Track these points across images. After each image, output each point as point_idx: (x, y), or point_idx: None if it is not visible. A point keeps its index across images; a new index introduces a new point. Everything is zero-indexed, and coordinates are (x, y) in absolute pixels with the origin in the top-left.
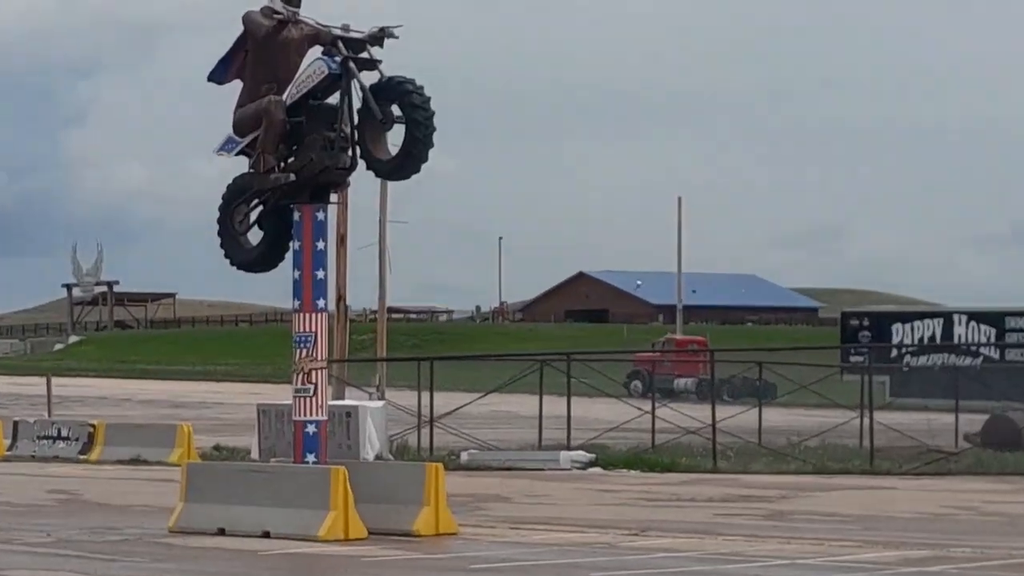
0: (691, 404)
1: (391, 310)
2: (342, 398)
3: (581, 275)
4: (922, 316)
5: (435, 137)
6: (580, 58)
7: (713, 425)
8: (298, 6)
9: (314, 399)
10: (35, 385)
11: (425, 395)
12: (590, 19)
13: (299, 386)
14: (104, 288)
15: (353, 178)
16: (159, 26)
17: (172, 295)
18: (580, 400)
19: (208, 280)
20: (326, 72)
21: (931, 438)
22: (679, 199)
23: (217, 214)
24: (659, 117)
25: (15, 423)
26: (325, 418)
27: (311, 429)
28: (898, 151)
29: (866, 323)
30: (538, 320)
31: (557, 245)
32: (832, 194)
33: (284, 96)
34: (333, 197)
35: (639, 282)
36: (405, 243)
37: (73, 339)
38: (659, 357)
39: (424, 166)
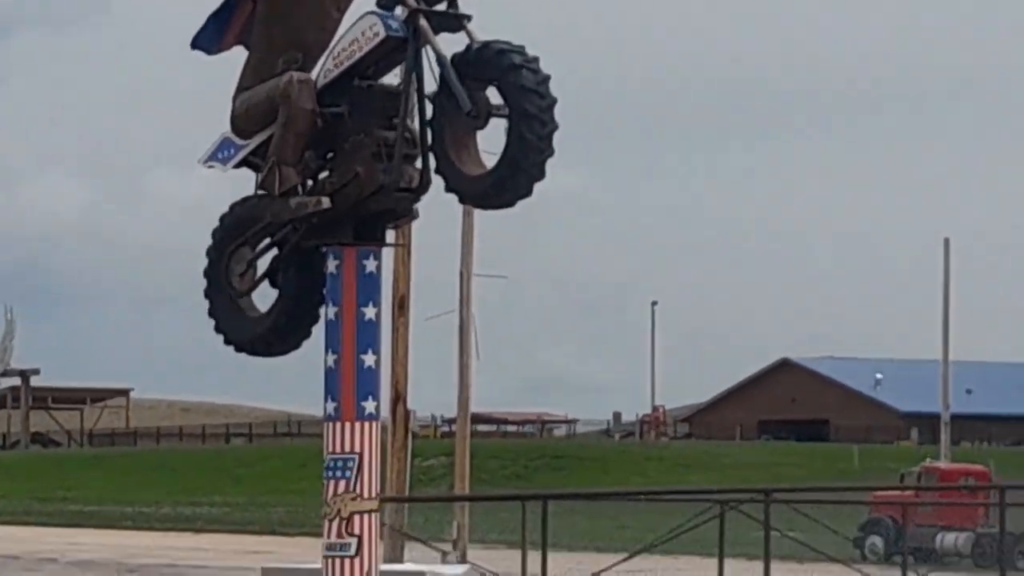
0: (967, 573)
1: (478, 419)
2: (400, 560)
3: (786, 364)
4: None
5: (557, 140)
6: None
7: None
8: None
9: (357, 561)
10: None
11: (533, 556)
12: None
13: (332, 539)
14: (16, 380)
15: (423, 207)
16: None
17: (125, 392)
18: (784, 565)
19: (182, 371)
20: (382, 35)
21: None
22: (946, 241)
23: (204, 262)
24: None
25: None
26: None
27: None
28: None
29: None
30: (715, 437)
31: (747, 317)
32: None
33: (314, 73)
34: (391, 236)
35: (880, 375)
36: (502, 312)
37: None
38: (913, 498)
39: (538, 187)
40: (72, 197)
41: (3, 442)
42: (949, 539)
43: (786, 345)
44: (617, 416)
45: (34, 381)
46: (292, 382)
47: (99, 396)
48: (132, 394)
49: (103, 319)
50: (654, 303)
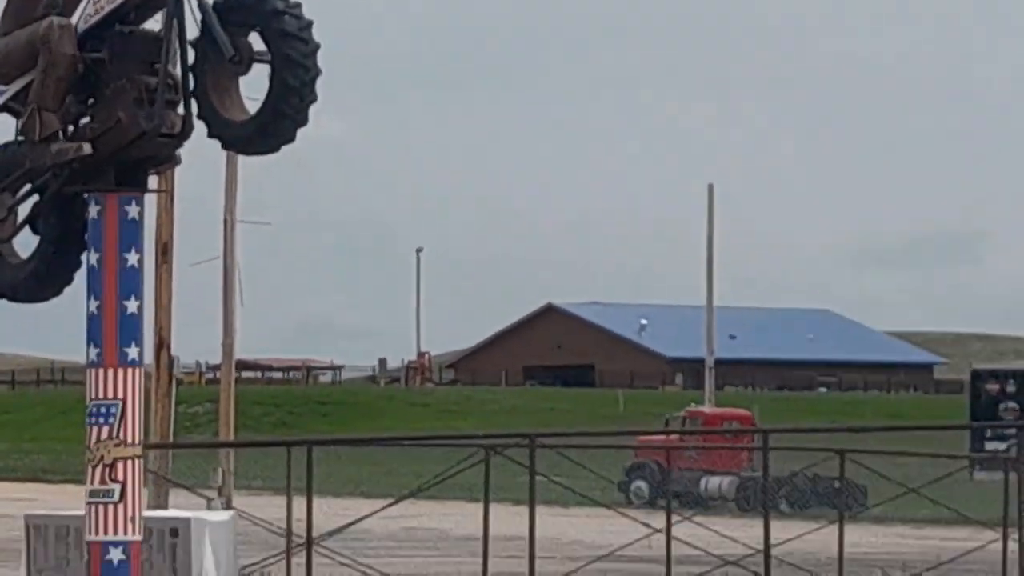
0: (730, 517)
1: (243, 366)
2: (165, 506)
3: (550, 310)
4: None
5: (320, 86)
6: None
7: (766, 552)
8: None
9: (121, 507)
10: None
11: (299, 502)
12: None
13: (95, 486)
14: None
15: (187, 153)
16: None
17: None
18: (550, 511)
19: None
20: None
21: None
22: (710, 188)
23: None
24: (680, 65)
25: None
26: (139, 537)
27: (115, 556)
28: None
29: (1011, 387)
30: (481, 382)
31: (512, 263)
32: (957, 182)
33: (75, 18)
34: (153, 182)
35: (644, 321)
36: (267, 258)
37: None
38: (678, 443)
39: (301, 132)
40: None
41: None
42: (713, 483)
43: (551, 291)
44: (383, 362)
45: None
46: (55, 329)
47: None
48: None
49: None
50: (419, 250)
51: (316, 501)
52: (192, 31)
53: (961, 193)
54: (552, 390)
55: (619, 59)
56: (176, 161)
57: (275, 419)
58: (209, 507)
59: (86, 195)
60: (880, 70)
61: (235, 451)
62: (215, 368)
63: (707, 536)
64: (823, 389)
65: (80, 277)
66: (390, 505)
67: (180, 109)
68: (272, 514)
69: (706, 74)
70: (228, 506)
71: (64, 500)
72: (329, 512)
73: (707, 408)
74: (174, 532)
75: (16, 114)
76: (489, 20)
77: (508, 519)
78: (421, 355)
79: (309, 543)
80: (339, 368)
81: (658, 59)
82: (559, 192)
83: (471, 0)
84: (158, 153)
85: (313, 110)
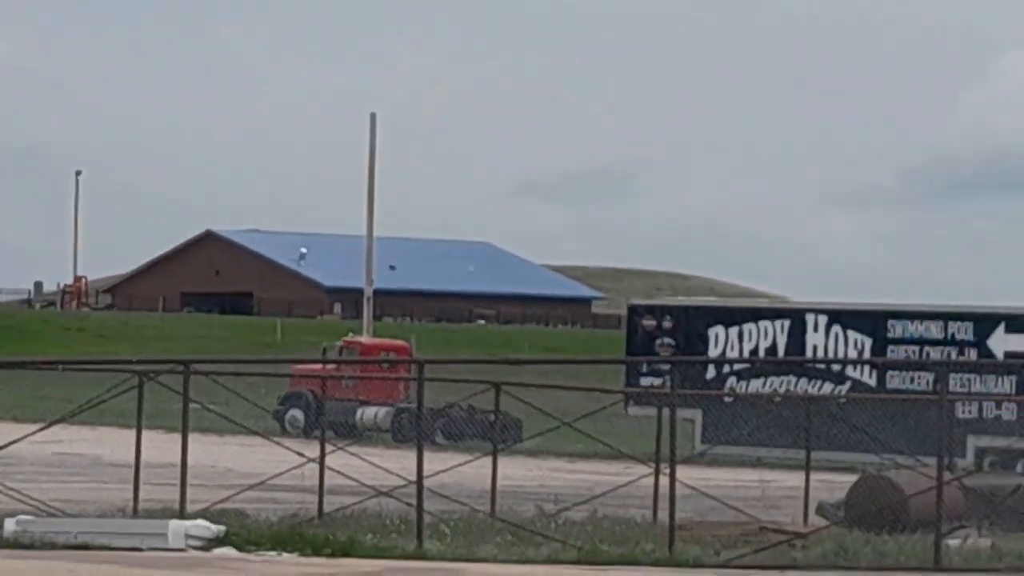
0: (384, 448)
1: None
2: None
3: (209, 236)
4: (757, 316)
5: None
6: None
7: (419, 483)
8: None
9: None
10: None
11: None
12: None
13: None
14: None
15: None
16: None
17: None
18: (204, 438)
19: None
20: None
21: (766, 510)
22: (372, 117)
23: None
24: None
25: None
26: None
27: None
28: (723, 48)
29: (667, 323)
30: (138, 308)
31: (171, 188)
32: (614, 116)
33: None
34: None
35: (304, 250)
36: None
37: None
38: (333, 372)
39: None
40: None
41: None
42: (369, 413)
43: (210, 217)
44: (39, 285)
45: None
46: None
47: None
48: None
49: None
50: (78, 172)
51: None
52: None
53: (622, 128)
54: (210, 317)
55: None
56: None
57: None
58: None
59: None
60: (547, 4)
61: None
62: None
63: (361, 466)
64: (481, 321)
65: None
66: (42, 429)
67: None
68: None
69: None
70: None
71: None
72: None
73: (364, 338)
74: None
75: None
76: None
77: (162, 446)
78: (78, 279)
79: None
80: None
81: None
82: (219, 117)
83: None
84: None
85: None
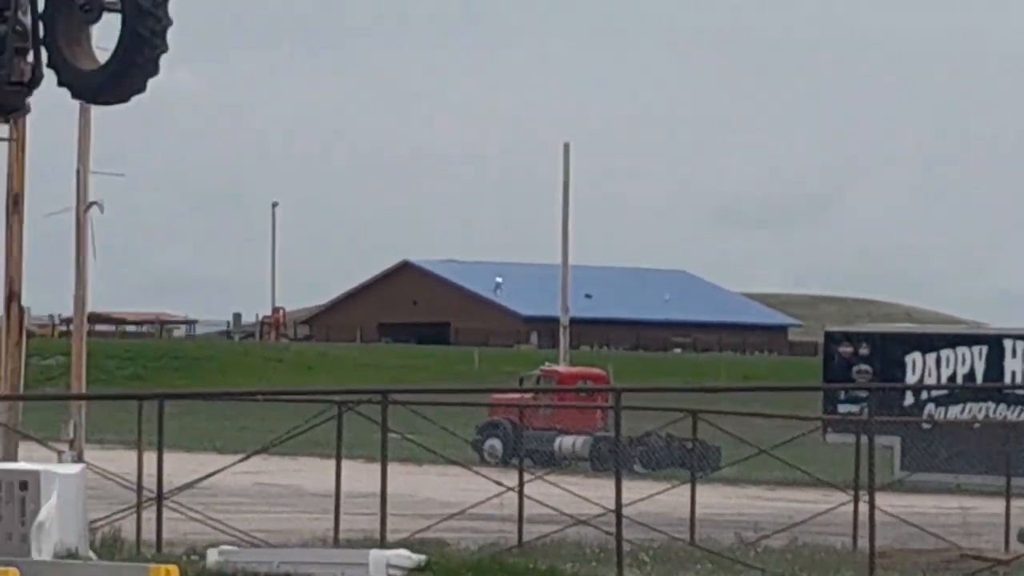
0: (582, 476)
1: (97, 318)
2: (14, 459)
3: (406, 267)
4: (954, 342)
5: (172, 36)
6: None
7: (618, 512)
8: None
9: None
10: None
11: (150, 456)
12: None
13: None
14: None
15: (39, 102)
16: None
17: None
18: (404, 468)
19: None
20: None
21: (967, 537)
22: (566, 146)
23: None
24: (533, 19)
25: None
26: None
27: None
28: (920, 79)
29: (864, 351)
30: (336, 339)
31: (368, 219)
32: (812, 144)
33: None
34: (3, 130)
35: (500, 279)
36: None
37: None
38: (531, 401)
39: (152, 83)
40: None
41: None
42: (567, 442)
43: (407, 247)
44: (237, 317)
45: None
46: None
47: None
48: None
49: None
50: (275, 204)
51: (168, 456)
52: None
53: (817, 156)
54: (407, 347)
55: (482, 9)
56: (26, 109)
57: (129, 373)
58: (60, 460)
59: None
60: (742, 32)
61: (87, 404)
62: (68, 321)
63: (560, 495)
64: (678, 350)
65: None
66: (242, 460)
67: (30, 57)
68: (124, 468)
69: (568, 28)
70: (79, 459)
71: None
72: (182, 466)
73: (561, 367)
74: (23, 485)
75: None
76: None
77: (361, 476)
78: (276, 311)
79: (160, 497)
80: (193, 323)
81: (530, 7)
82: (414, 148)
83: None
84: (7, 101)
85: (165, 60)
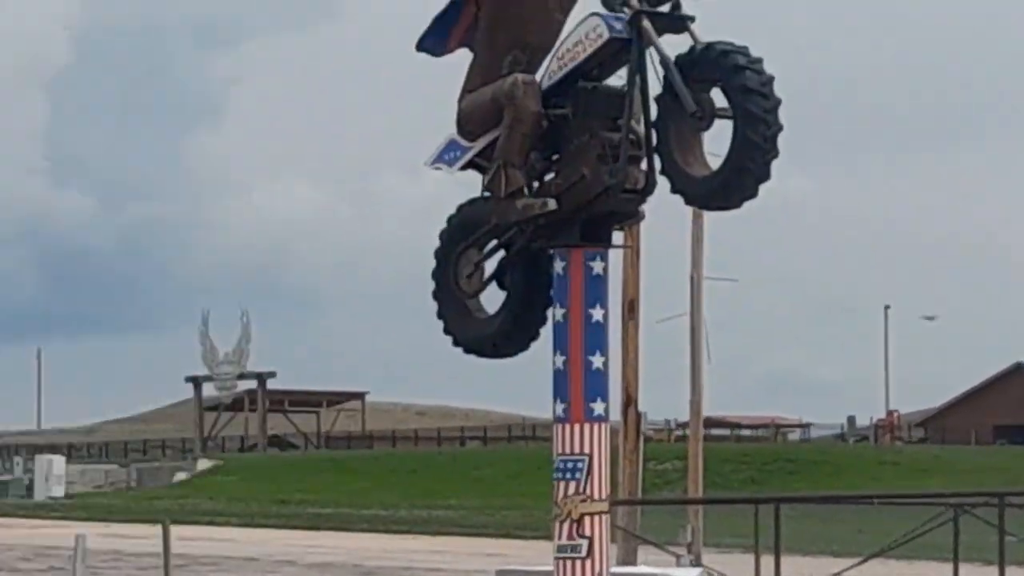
0: None
1: (712, 423)
2: (634, 563)
3: (1021, 368)
4: None
5: (782, 141)
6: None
7: None
8: None
9: (588, 563)
10: (146, 538)
11: (767, 559)
12: None
13: (563, 541)
14: (252, 384)
15: (654, 210)
16: None
17: (361, 396)
18: (1020, 571)
19: (417, 374)
20: (606, 36)
21: None
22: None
23: (432, 264)
24: None
25: None
26: None
27: None
28: None
29: None
30: (950, 441)
31: (982, 319)
32: None
33: (539, 75)
34: (618, 237)
35: None
36: (732, 314)
37: (204, 464)
38: None
39: (763, 187)
40: (305, 200)
41: (242, 444)
42: None
43: (1021, 348)
44: (851, 420)
45: (271, 384)
46: (525, 384)
47: (335, 399)
48: (367, 397)
49: (337, 321)
50: (887, 306)
51: (785, 559)
52: (654, 87)
53: None
54: (1023, 449)
55: None
56: (640, 217)
57: (744, 476)
58: (678, 564)
59: (551, 250)
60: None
61: (704, 508)
62: (683, 425)
63: None
64: None
65: (546, 332)
66: (858, 564)
67: (643, 165)
68: (741, 572)
69: None
70: (697, 563)
71: (534, 555)
72: (799, 570)
73: None
74: None
75: (481, 170)
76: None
77: None
78: (890, 413)
79: None
80: (807, 426)
81: None
82: None
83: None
84: (622, 209)
85: (775, 165)
